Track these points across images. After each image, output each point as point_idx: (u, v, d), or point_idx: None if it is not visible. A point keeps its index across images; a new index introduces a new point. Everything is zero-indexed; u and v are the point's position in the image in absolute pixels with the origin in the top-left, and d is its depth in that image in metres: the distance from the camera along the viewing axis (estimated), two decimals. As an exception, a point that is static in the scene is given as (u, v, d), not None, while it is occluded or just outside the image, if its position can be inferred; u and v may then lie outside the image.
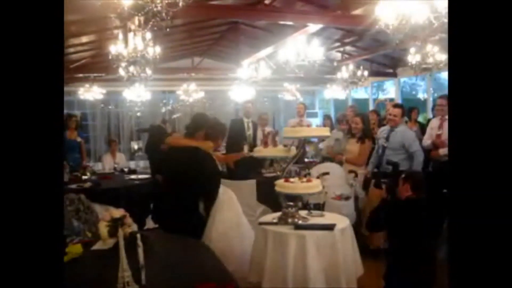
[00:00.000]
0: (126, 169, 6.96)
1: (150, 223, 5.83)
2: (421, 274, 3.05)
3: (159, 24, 3.82)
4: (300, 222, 3.12)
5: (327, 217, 3.33)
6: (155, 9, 3.43)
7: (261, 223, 3.15)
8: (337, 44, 10.04)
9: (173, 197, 3.68)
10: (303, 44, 6.75)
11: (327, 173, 4.20)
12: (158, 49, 6.34)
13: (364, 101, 14.80)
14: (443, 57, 7.48)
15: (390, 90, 23.90)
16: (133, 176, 6.47)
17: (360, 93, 16.73)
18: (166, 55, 6.29)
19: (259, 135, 7.30)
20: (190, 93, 11.71)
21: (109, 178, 6.48)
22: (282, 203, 3.28)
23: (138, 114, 13.89)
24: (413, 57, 7.57)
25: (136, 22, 5.65)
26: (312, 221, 3.17)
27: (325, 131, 3.13)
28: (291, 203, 3.25)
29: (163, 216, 3.81)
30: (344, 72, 9.76)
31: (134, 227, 3.16)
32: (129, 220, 3.13)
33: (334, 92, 13.12)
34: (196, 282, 2.11)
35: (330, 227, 2.96)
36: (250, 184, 5.27)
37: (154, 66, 7.11)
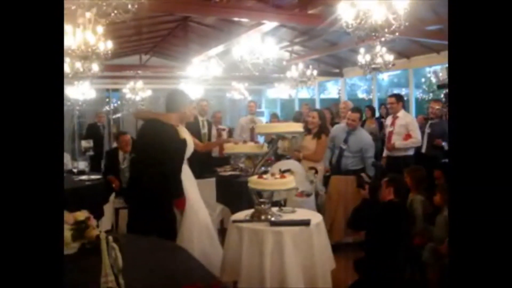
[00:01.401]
0: (74, 170, 6.63)
1: (103, 226, 5.64)
2: (397, 269, 3.17)
3: (121, 16, 3.66)
4: (273, 218, 3.09)
5: (299, 213, 3.33)
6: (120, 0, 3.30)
7: (235, 221, 3.10)
8: (286, 43, 10.14)
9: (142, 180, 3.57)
10: (257, 43, 6.77)
11: (288, 170, 4.21)
12: (110, 44, 6.10)
13: (311, 101, 15.06)
14: (391, 57, 7.76)
15: (332, 90, 24.59)
16: (83, 177, 6.17)
17: (303, 93, 17.03)
18: (111, 52, 6.04)
19: (214, 133, 7.25)
20: (137, 91, 11.39)
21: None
22: (255, 200, 3.24)
23: (77, 113, 13.36)
24: (362, 57, 7.80)
25: (87, 15, 5.40)
26: (285, 218, 3.16)
27: (299, 127, 3.12)
28: (264, 200, 3.21)
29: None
30: (294, 71, 9.89)
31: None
32: (93, 222, 2.97)
33: (280, 91, 13.28)
34: (179, 285, 2.03)
35: (306, 223, 2.95)
36: (209, 183, 5.19)
37: (102, 62, 6.85)
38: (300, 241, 2.90)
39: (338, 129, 5.49)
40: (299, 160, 5.26)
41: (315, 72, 9.93)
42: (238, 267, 2.91)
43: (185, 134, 3.75)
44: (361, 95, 24.56)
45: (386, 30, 4.43)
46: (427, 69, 16.59)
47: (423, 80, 20.01)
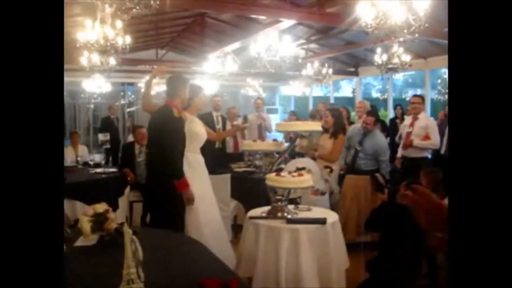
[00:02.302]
0: (91, 162, 6.71)
1: (117, 219, 5.69)
2: (410, 270, 3.18)
3: (142, 12, 3.71)
4: (289, 216, 3.12)
5: (315, 212, 3.36)
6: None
7: (251, 217, 3.13)
8: (302, 41, 10.12)
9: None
10: (275, 40, 6.78)
11: (303, 168, 4.23)
12: (128, 39, 6.17)
13: (325, 99, 15.03)
14: (408, 57, 7.73)
15: (345, 89, 24.51)
16: (98, 170, 6.25)
17: (317, 91, 17.01)
18: (130, 46, 6.12)
19: (229, 128, 7.28)
20: (152, 86, 11.43)
21: (71, 171, 6.21)
22: (271, 197, 3.27)
23: (92, 106, 13.46)
24: (379, 57, 7.77)
25: (107, 9, 5.46)
26: (301, 215, 3.18)
27: (317, 126, 3.14)
28: (280, 197, 3.24)
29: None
30: (309, 69, 9.87)
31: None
32: (112, 214, 3.01)
33: (294, 89, 13.26)
34: (198, 278, 2.06)
35: (322, 221, 2.97)
36: (224, 179, 5.23)
37: (119, 56, 6.92)
38: (316, 239, 2.92)
39: (354, 130, 5.48)
40: (314, 158, 5.28)
41: (330, 71, 9.91)
42: (254, 263, 2.94)
43: (194, 123, 3.83)
44: (375, 94, 24.43)
45: (405, 31, 4.42)
46: (443, 70, 16.43)
47: (439, 81, 19.83)
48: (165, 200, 3.59)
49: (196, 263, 2.40)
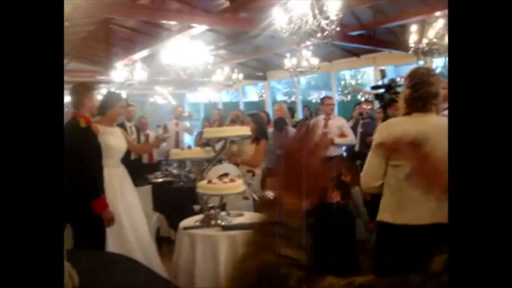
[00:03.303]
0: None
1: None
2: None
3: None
4: (223, 223, 3.07)
5: (247, 217, 3.34)
6: None
7: (185, 228, 3.03)
8: (211, 47, 10.12)
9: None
10: (187, 46, 6.70)
11: (226, 174, 4.20)
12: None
13: (234, 104, 15.13)
14: (316, 61, 8.05)
15: (250, 94, 24.94)
16: None
17: (223, 97, 17.06)
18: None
19: (142, 139, 7.05)
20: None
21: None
22: (203, 206, 3.20)
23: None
24: (289, 61, 8.01)
25: None
26: (235, 222, 3.14)
27: (246, 130, 3.12)
28: (212, 205, 3.18)
29: None
30: (219, 75, 9.90)
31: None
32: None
33: (202, 96, 13.22)
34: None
35: (259, 226, 2.96)
36: (145, 191, 5.04)
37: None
38: (254, 244, 2.90)
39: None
40: (237, 164, 5.26)
41: (241, 76, 10.02)
42: (192, 274, 2.85)
43: (110, 135, 3.66)
44: (280, 97, 25.11)
45: (319, 35, 4.59)
46: (342, 72, 17.37)
47: (342, 82, 20.93)
48: (86, 219, 3.33)
49: (137, 281, 2.27)
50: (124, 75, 8.82)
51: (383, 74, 3.74)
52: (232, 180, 3.13)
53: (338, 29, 4.61)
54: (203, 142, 7.60)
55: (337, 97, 16.94)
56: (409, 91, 2.53)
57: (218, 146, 4.16)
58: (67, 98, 3.60)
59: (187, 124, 12.04)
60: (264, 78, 12.51)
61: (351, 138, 5.75)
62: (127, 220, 3.64)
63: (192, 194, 5.82)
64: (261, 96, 22.53)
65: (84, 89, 3.61)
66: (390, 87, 3.79)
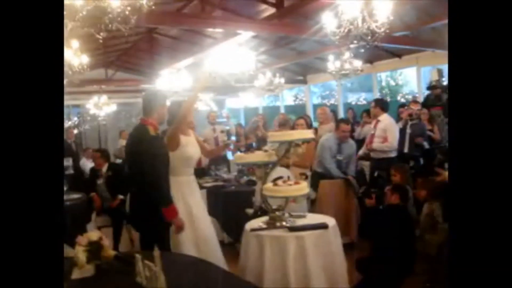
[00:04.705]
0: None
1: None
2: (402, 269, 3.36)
3: (119, 26, 3.62)
4: (288, 224, 3.14)
5: (310, 218, 3.40)
6: (119, 11, 3.27)
7: (253, 229, 3.12)
8: (254, 53, 10.25)
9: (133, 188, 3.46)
10: (233, 53, 6.83)
11: (280, 177, 4.28)
12: (85, 58, 5.99)
13: (275, 109, 15.22)
14: (359, 63, 8.04)
15: (286, 97, 25.07)
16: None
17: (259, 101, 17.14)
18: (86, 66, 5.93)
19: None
20: (101, 106, 11.12)
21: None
22: (268, 208, 3.28)
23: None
24: (332, 64, 8.03)
25: (69, 26, 5.27)
26: (299, 223, 3.21)
27: (310, 134, 3.20)
28: (277, 207, 3.27)
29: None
30: (262, 80, 10.01)
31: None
32: (106, 241, 2.88)
33: (242, 101, 13.36)
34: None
35: (324, 226, 3.02)
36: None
37: (75, 77, 6.68)
38: (321, 244, 2.96)
39: (331, 139, 5.57)
40: (288, 166, 5.34)
41: (282, 80, 10.10)
42: (261, 275, 2.93)
43: (188, 146, 3.71)
44: (316, 100, 25.09)
45: (369, 37, 4.61)
46: (379, 74, 17.22)
47: (383, 84, 20.76)
48: (153, 222, 3.40)
49: (217, 283, 2.34)
50: (168, 83, 9.05)
51: (440, 73, 3.74)
52: (296, 182, 3.21)
53: (387, 31, 4.62)
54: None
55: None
56: None
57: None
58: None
59: (227, 127, 12.23)
60: (304, 82, 12.56)
61: (390, 144, 5.62)
62: (199, 223, 3.72)
63: (244, 197, 5.97)
64: (296, 100, 22.57)
65: (155, 97, 3.58)
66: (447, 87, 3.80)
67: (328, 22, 4.68)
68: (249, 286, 2.33)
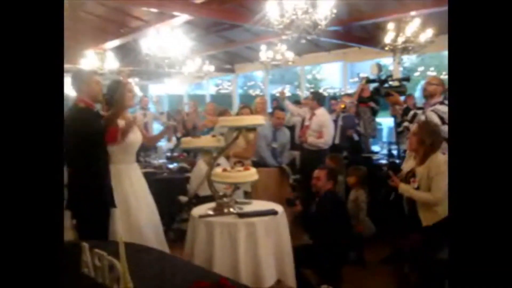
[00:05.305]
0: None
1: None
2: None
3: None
4: (236, 211, 3.12)
5: (256, 204, 3.40)
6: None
7: (201, 216, 3.06)
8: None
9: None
10: (168, 37, 6.64)
11: (218, 165, 4.25)
12: None
13: (200, 96, 15.04)
14: (291, 54, 8.18)
15: (206, 86, 24.95)
16: None
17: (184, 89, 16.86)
18: None
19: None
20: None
21: None
22: (215, 194, 3.23)
23: None
24: (264, 54, 8.09)
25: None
26: (246, 209, 3.19)
27: (261, 120, 3.18)
28: (224, 194, 3.23)
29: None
30: (190, 67, 9.82)
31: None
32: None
33: (166, 87, 13.05)
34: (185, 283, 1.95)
35: (274, 212, 3.04)
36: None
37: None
38: (271, 231, 2.96)
39: (265, 127, 5.59)
40: (227, 157, 5.30)
41: (211, 68, 10.00)
42: (209, 262, 2.89)
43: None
44: (239, 90, 25.23)
45: (311, 30, 4.70)
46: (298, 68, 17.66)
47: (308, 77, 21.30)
48: (89, 208, 3.24)
49: (176, 271, 2.25)
50: (94, 63, 8.61)
51: (379, 68, 3.89)
52: (246, 168, 3.19)
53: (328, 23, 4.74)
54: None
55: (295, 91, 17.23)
56: None
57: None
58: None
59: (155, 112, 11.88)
60: (232, 70, 12.52)
61: (324, 141, 5.73)
62: (140, 209, 3.60)
63: (176, 184, 5.83)
64: (220, 89, 22.50)
65: (82, 75, 3.51)
66: (385, 81, 3.94)
67: (271, 10, 4.70)
68: (200, 270, 2.28)
